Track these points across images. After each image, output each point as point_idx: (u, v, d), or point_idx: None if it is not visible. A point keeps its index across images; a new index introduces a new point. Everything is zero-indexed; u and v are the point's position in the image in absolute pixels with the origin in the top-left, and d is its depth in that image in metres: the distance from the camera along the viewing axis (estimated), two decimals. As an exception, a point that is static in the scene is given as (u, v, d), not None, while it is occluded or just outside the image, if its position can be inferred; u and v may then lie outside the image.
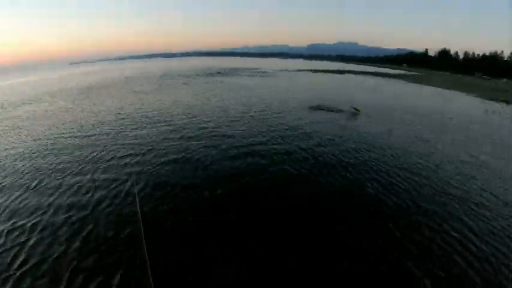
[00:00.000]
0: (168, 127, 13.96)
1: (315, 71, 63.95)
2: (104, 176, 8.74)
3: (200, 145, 11.32)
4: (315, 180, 8.60)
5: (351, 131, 14.30)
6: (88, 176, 8.77)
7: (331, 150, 11.24)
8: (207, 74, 46.10)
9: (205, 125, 14.23)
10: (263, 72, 52.87)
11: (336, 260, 5.40)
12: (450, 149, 12.70)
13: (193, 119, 15.44)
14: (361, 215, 6.87)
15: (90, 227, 6.29)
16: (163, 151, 10.67)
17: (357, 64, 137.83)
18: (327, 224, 6.42)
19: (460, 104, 28.45)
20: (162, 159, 9.87)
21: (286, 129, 13.90)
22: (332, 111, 18.74)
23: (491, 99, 36.68)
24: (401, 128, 15.80)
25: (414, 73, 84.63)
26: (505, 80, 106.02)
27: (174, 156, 10.14)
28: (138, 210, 6.64)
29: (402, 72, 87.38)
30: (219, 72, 49.02)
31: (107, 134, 13.07)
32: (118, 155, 10.46)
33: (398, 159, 10.94)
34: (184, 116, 16.09)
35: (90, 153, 10.69)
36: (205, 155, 10.21)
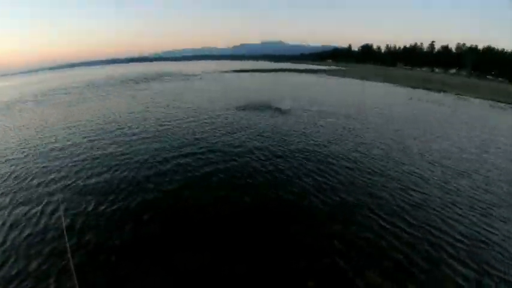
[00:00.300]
0: (93, 142, 12.30)
1: (243, 71, 63.82)
2: (25, 198, 7.55)
3: (125, 157, 10.25)
4: (250, 182, 8.21)
5: (278, 128, 14.09)
6: (7, 200, 7.52)
7: (262, 150, 10.88)
8: (132, 81, 42.67)
9: (128, 138, 12.69)
10: (192, 75, 51.40)
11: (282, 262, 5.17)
12: (376, 136, 13.52)
13: (116, 131, 13.79)
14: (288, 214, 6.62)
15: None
16: (89, 167, 9.44)
17: (283, 62, 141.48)
18: (265, 226, 6.14)
19: (381, 92, 29.97)
20: (89, 176, 8.75)
21: (215, 133, 13.12)
22: (259, 109, 18.48)
23: (414, 87, 40.18)
24: (329, 121, 16.04)
25: (339, 68, 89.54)
26: (424, 68, 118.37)
27: (101, 171, 9.06)
28: (65, 232, 5.68)
29: (327, 67, 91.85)
30: (146, 78, 46.10)
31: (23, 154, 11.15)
32: (40, 174, 9.08)
33: (328, 151, 11.04)
34: (106, 128, 14.40)
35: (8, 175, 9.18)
36: (130, 167, 9.30)
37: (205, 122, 15.08)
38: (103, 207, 6.90)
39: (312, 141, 12.10)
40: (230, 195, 7.38)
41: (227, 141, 11.88)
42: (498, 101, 34.21)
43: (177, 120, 15.69)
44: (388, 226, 6.36)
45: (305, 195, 7.45)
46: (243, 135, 12.71)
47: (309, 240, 5.74)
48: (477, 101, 33.16)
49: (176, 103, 20.81)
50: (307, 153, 10.61)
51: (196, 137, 12.40)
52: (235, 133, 12.97)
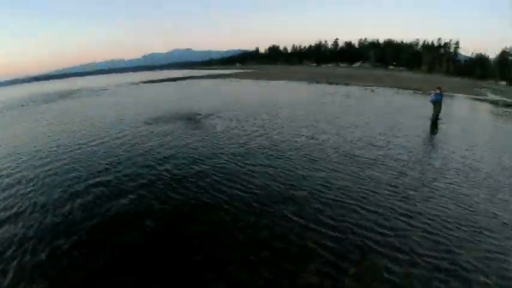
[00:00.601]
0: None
1: (152, 81, 60.55)
2: None
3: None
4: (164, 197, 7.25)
5: (195, 137, 12.83)
6: None
7: (175, 163, 9.63)
8: (34, 102, 36.37)
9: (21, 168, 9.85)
10: (100, 90, 45.79)
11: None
12: (288, 135, 12.86)
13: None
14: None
15: None
16: None
17: (192, 69, 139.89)
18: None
19: (286, 90, 30.68)
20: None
21: (124, 152, 11.19)
22: (171, 121, 16.69)
23: (317, 82, 42.69)
24: (240, 125, 15.12)
25: (249, 70, 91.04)
26: (330, 64, 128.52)
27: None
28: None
29: (236, 71, 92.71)
30: (50, 97, 39.27)
31: None
32: None
33: (237, 156, 10.18)
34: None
35: None
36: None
37: (114, 143, 12.66)
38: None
39: (225, 151, 10.83)
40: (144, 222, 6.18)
41: (137, 162, 9.89)
42: (400, 88, 38.45)
43: (85, 143, 12.87)
44: (312, 226, 5.88)
45: (221, 210, 6.57)
46: (154, 154, 10.79)
47: (237, 253, 5.13)
48: (380, 89, 36.32)
49: (84, 123, 17.60)
50: (221, 163, 9.51)
51: (102, 162, 10.08)
52: (144, 154, 10.87)
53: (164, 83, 53.98)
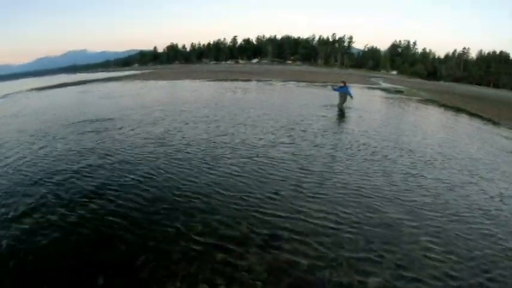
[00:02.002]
0: None
1: (46, 88, 49.99)
2: None
3: None
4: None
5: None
6: None
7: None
8: None
9: None
10: None
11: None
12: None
13: None
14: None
15: None
16: None
17: (88, 72, 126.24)
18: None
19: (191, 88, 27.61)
20: None
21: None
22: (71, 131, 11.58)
23: (218, 80, 40.24)
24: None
25: (147, 71, 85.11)
26: (229, 61, 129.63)
27: None
28: None
29: (135, 72, 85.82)
30: None
31: None
32: None
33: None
34: None
35: None
36: None
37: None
38: None
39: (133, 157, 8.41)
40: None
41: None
42: (300, 81, 38.79)
43: None
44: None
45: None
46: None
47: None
48: (277, 82, 35.54)
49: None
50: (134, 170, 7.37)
51: None
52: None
53: (58, 89, 44.53)
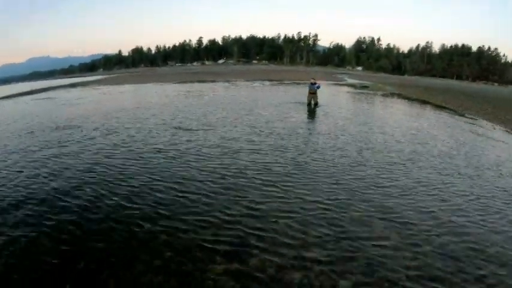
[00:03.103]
0: None
1: (7, 97, 47.18)
2: None
3: None
4: None
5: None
6: None
7: None
8: None
9: None
10: None
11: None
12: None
13: None
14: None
15: None
16: None
17: (52, 79, 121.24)
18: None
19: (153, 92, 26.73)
20: None
21: None
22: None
23: (184, 82, 39.38)
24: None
25: (113, 75, 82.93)
26: (195, 63, 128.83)
27: None
28: None
29: (100, 77, 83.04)
30: None
31: None
32: None
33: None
34: None
35: None
36: None
37: None
38: None
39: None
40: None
41: None
42: (265, 80, 39.27)
43: None
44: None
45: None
46: None
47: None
48: (243, 83, 35.42)
49: None
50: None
51: None
52: None
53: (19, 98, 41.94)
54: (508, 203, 5.98)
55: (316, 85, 17.39)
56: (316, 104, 17.41)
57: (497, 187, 6.81)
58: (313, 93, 17.43)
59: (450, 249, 4.31)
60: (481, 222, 5.14)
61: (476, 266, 4.01)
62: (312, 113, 15.90)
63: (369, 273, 3.84)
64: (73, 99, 25.53)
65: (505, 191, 6.60)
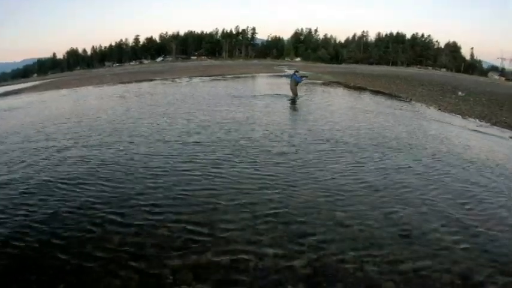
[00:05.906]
0: None
1: None
2: None
3: None
4: None
5: None
6: None
7: None
8: None
9: None
10: None
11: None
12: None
13: None
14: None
15: None
16: None
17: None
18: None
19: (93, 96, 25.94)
20: None
21: None
22: None
23: (122, 83, 38.25)
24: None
25: (47, 80, 77.33)
26: (132, 62, 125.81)
27: None
28: None
29: (34, 83, 77.47)
30: None
31: None
32: None
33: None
34: None
35: None
36: None
37: None
38: None
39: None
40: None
41: None
42: (206, 76, 39.47)
43: None
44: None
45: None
46: None
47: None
48: (185, 79, 35.73)
49: None
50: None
51: None
52: None
53: None
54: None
55: (295, 76, 17.78)
56: (296, 96, 17.96)
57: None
58: (293, 84, 17.87)
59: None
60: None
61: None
62: (293, 103, 16.80)
63: (319, 250, 4.12)
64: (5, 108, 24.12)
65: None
